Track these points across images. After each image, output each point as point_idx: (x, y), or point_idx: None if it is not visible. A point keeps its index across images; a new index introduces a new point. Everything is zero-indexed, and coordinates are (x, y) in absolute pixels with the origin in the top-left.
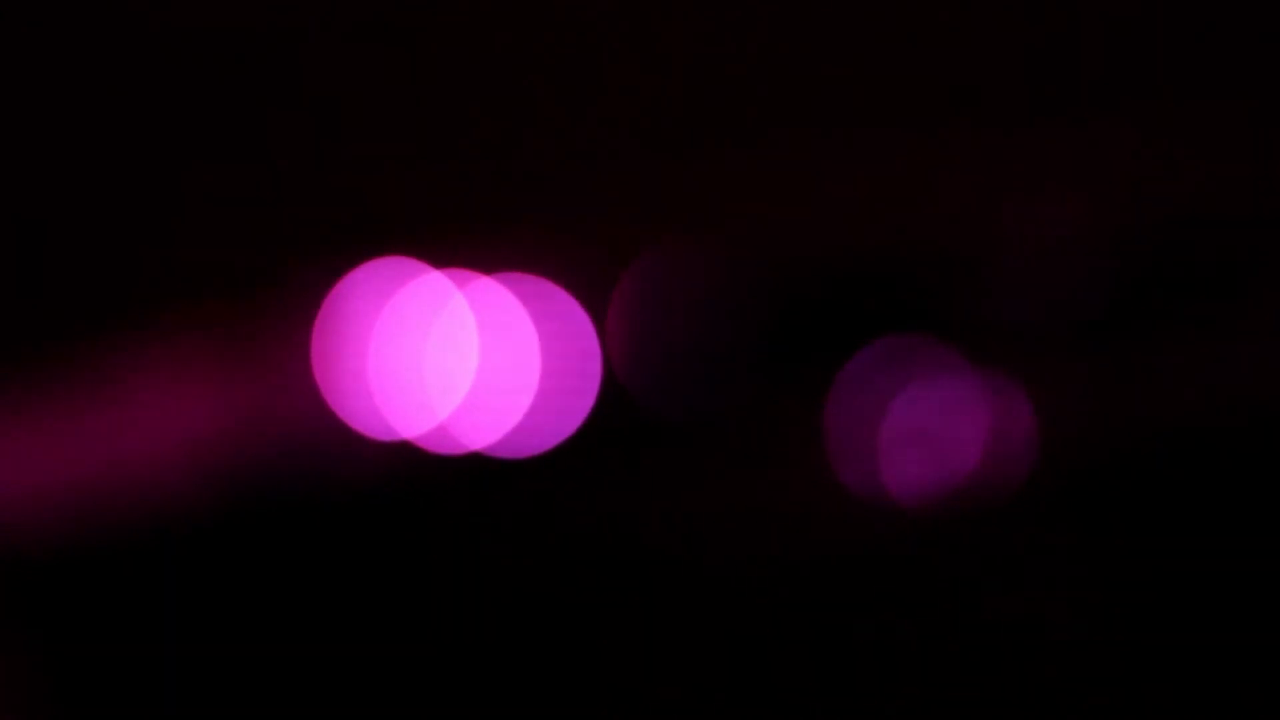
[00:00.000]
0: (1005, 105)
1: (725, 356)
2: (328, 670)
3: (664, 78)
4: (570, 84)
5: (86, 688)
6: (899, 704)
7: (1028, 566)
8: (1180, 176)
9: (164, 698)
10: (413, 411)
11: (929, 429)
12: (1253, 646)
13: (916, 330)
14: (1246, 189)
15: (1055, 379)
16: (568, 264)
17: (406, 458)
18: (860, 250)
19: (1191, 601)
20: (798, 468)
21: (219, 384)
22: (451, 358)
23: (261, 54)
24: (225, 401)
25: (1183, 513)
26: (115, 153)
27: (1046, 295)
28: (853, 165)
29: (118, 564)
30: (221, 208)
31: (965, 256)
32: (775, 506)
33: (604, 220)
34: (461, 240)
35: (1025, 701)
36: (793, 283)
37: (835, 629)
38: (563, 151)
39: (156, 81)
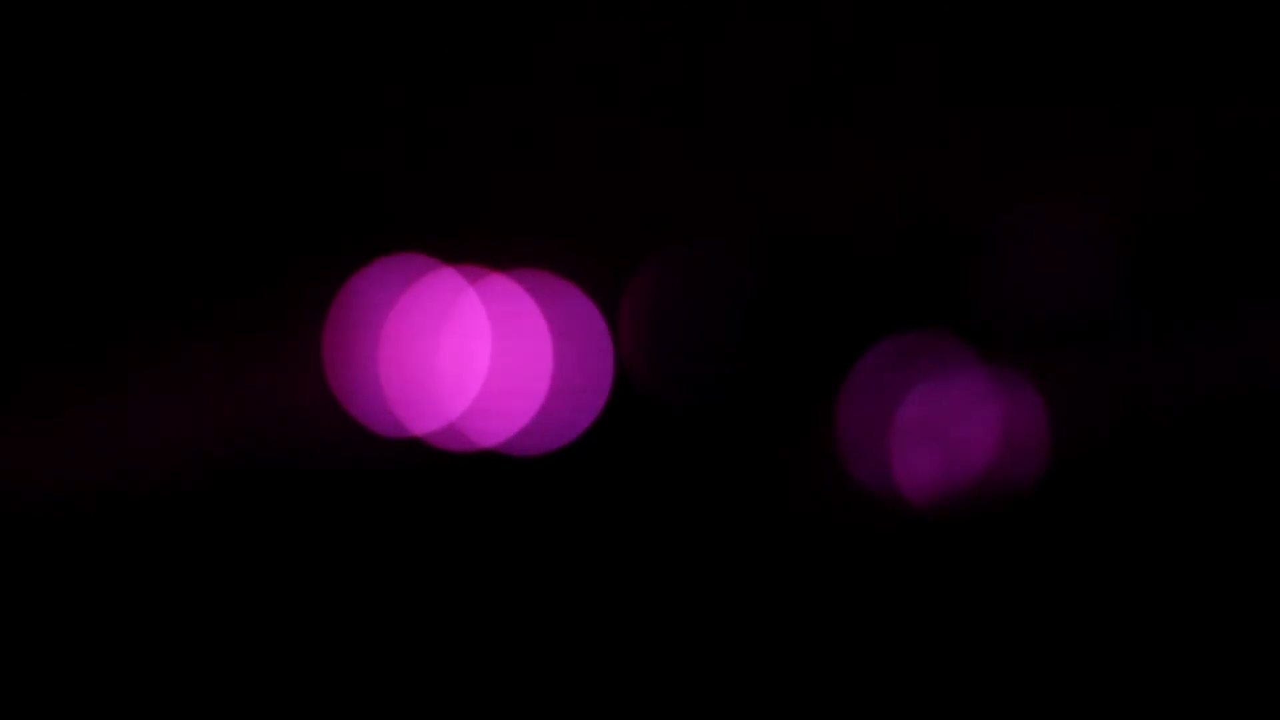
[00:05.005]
0: (1011, 103)
1: (737, 354)
2: (336, 668)
3: (674, 76)
4: (583, 81)
5: (85, 686)
6: (904, 703)
7: (1036, 565)
8: (1182, 175)
9: (165, 695)
10: (424, 409)
11: (940, 426)
12: (1255, 646)
13: (927, 327)
14: (1247, 188)
15: (1064, 376)
16: (580, 260)
17: (417, 455)
18: (870, 247)
19: (1197, 599)
20: (809, 465)
21: (230, 381)
22: (463, 355)
23: (271, 51)
24: (236, 399)
25: (1186, 511)
26: (124, 149)
27: (1056, 292)
28: (861, 162)
29: (123, 562)
30: (233, 204)
31: (975, 253)
32: (786, 504)
33: (617, 217)
34: (474, 237)
35: (1028, 701)
36: (804, 280)
37: (842, 627)
38: (575, 148)
39: (167, 79)
